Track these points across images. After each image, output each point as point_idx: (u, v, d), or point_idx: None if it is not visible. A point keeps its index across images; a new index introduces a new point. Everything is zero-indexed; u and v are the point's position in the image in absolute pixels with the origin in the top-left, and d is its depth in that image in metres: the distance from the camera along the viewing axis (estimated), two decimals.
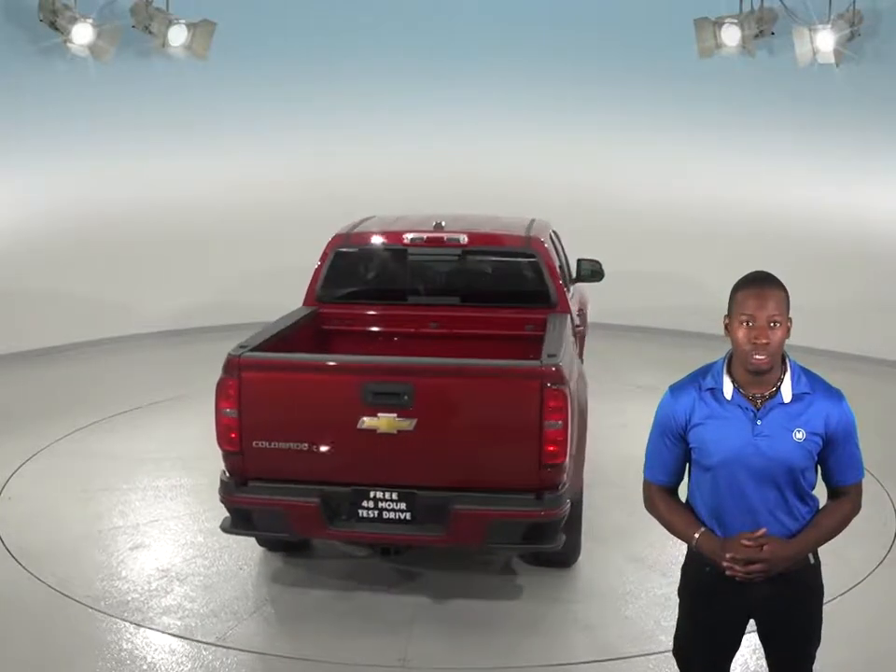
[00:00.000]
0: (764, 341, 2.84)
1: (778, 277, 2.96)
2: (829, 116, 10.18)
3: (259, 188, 11.05)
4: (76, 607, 4.96)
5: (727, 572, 2.92)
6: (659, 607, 4.99)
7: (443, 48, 11.24)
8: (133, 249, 10.57)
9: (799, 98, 10.29)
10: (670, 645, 4.43)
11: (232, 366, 4.79)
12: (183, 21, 9.96)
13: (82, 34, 9.39)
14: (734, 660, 3.23)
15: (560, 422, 4.60)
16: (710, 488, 3.00)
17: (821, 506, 3.06)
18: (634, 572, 5.44)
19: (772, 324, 2.85)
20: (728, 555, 2.90)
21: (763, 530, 2.90)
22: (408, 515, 4.74)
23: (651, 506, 3.15)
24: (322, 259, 6.33)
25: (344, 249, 6.37)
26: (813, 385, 2.96)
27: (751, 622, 3.14)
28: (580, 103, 11.44)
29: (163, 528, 6.01)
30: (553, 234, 6.96)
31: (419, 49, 11.16)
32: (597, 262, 7.51)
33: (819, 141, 10.35)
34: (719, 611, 3.07)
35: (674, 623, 4.68)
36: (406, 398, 4.65)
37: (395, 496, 4.72)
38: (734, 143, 10.82)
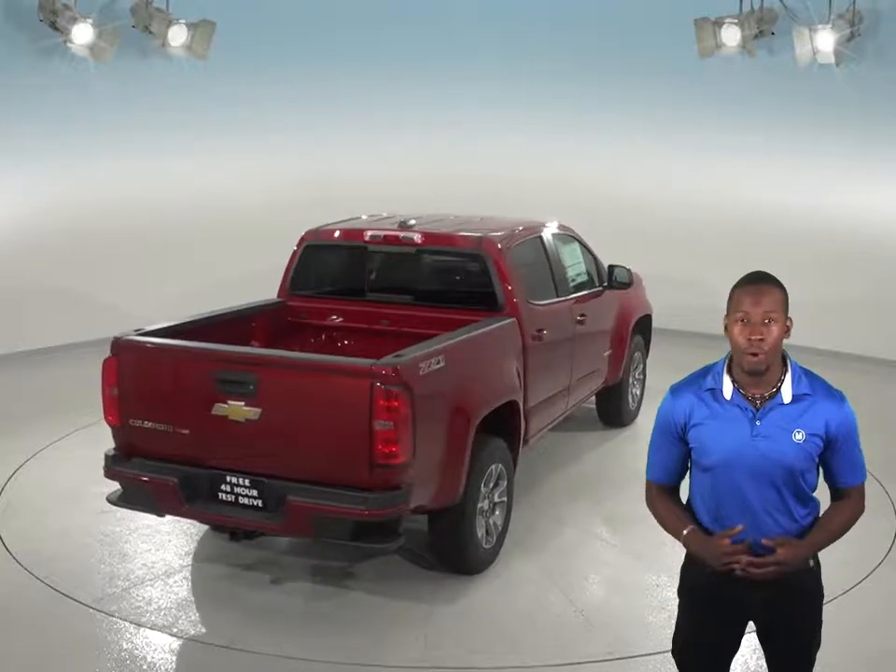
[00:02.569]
0: (759, 337, 2.83)
1: (778, 278, 2.95)
2: (829, 116, 10.17)
3: (260, 187, 11.06)
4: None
5: (738, 572, 2.91)
6: (518, 628, 4.94)
7: (443, 47, 11.24)
8: (132, 249, 10.57)
9: (799, 98, 10.29)
10: (523, 660, 4.48)
11: (113, 347, 5.19)
12: (183, 20, 9.96)
13: (82, 34, 9.39)
14: (734, 660, 3.23)
15: (391, 423, 4.60)
16: (710, 488, 3.00)
17: (822, 508, 3.05)
18: (531, 587, 5.36)
19: (767, 321, 2.84)
20: (745, 559, 2.88)
21: (739, 528, 2.89)
22: (260, 502, 4.90)
23: (651, 505, 3.16)
24: (293, 254, 6.61)
25: (312, 244, 6.58)
26: (814, 385, 2.95)
27: (752, 623, 3.14)
28: (579, 103, 11.45)
29: None
30: (545, 238, 6.81)
31: (419, 48, 11.16)
32: (625, 269, 7.49)
33: (819, 141, 10.35)
34: (718, 613, 3.06)
35: (524, 641, 4.77)
36: (251, 387, 4.83)
37: (248, 482, 4.90)
38: (734, 143, 10.82)
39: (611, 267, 7.47)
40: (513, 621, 5.02)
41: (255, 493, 4.89)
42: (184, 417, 5.02)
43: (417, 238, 6.24)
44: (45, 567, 5.40)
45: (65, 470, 6.93)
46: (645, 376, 8.46)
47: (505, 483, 5.64)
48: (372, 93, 11.34)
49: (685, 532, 3.01)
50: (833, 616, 4.19)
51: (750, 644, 3.58)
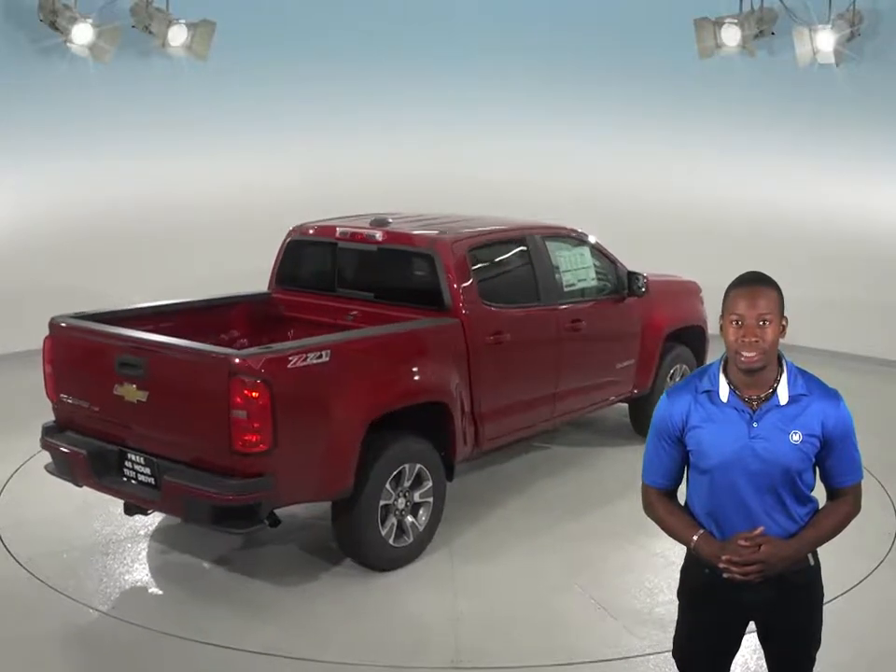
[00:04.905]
0: (753, 339, 2.82)
1: (776, 277, 2.94)
2: (829, 115, 10.18)
3: (260, 187, 11.05)
4: None
5: (724, 574, 2.91)
6: (385, 628, 4.93)
7: (443, 47, 11.24)
8: (132, 249, 10.57)
9: (799, 98, 10.30)
10: (361, 658, 4.52)
11: (49, 327, 5.63)
12: (183, 20, 9.96)
13: (82, 34, 9.40)
14: (734, 660, 3.23)
15: (245, 412, 4.72)
16: (707, 491, 2.99)
17: (820, 507, 3.05)
18: (429, 592, 5.29)
19: (761, 322, 2.83)
20: (725, 557, 2.88)
21: (760, 529, 2.89)
22: (153, 480, 5.14)
23: (649, 509, 3.15)
24: (279, 249, 6.85)
25: (295, 240, 6.79)
26: (809, 386, 2.95)
27: (751, 623, 3.14)
28: (579, 103, 11.45)
29: None
30: (530, 240, 6.57)
31: (419, 48, 11.18)
32: (641, 276, 7.23)
33: (819, 141, 10.35)
34: (717, 613, 3.06)
35: (383, 640, 4.79)
36: (141, 371, 5.13)
37: (142, 460, 5.18)
38: (733, 143, 10.83)
39: (630, 274, 7.21)
40: (387, 620, 5.01)
41: (148, 471, 5.15)
42: (96, 396, 5.39)
43: (379, 236, 6.28)
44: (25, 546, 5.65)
45: None
46: None
47: (430, 483, 5.61)
48: (373, 93, 11.34)
49: (695, 537, 2.99)
50: (833, 616, 4.17)
51: (750, 644, 3.58)
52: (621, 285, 7.22)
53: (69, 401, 5.53)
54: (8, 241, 9.85)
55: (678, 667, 3.27)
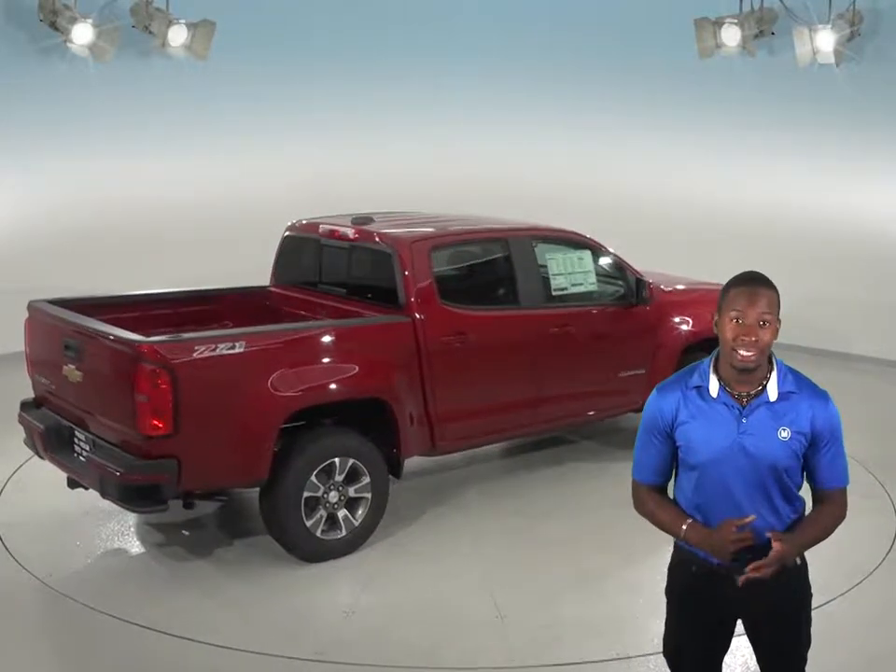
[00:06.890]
0: (753, 338, 2.84)
1: (774, 277, 2.96)
2: (829, 116, 10.17)
3: (260, 188, 11.05)
4: None
5: (736, 576, 2.88)
6: (273, 617, 4.97)
7: (443, 47, 11.24)
8: (132, 249, 10.56)
9: (799, 98, 10.29)
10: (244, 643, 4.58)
11: (27, 310, 6.00)
12: (183, 21, 9.97)
13: (82, 34, 9.41)
14: (734, 661, 3.22)
15: (146, 396, 4.90)
16: (696, 486, 3.00)
17: (808, 506, 3.05)
18: (344, 586, 5.30)
19: (761, 322, 2.85)
20: (733, 538, 2.84)
21: (751, 517, 2.87)
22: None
23: (640, 506, 3.15)
24: (278, 245, 7.06)
25: (289, 237, 6.98)
26: (799, 384, 2.97)
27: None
28: (579, 103, 11.45)
29: None
30: (513, 242, 6.48)
31: (419, 48, 11.18)
32: (646, 282, 7.06)
33: (819, 141, 10.34)
34: (705, 612, 3.06)
35: (274, 628, 4.84)
36: (78, 353, 5.42)
37: (84, 437, 5.44)
38: (733, 143, 10.82)
39: (639, 281, 6.99)
40: (281, 609, 5.04)
41: (87, 448, 5.39)
42: (52, 375, 5.72)
43: (351, 234, 6.36)
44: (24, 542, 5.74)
45: None
46: None
47: (367, 479, 5.61)
48: (373, 93, 11.35)
49: (685, 526, 2.99)
50: (832, 616, 4.20)
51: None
52: (630, 291, 7.02)
53: (39, 380, 5.92)
54: (8, 241, 9.86)
55: (668, 666, 3.26)
